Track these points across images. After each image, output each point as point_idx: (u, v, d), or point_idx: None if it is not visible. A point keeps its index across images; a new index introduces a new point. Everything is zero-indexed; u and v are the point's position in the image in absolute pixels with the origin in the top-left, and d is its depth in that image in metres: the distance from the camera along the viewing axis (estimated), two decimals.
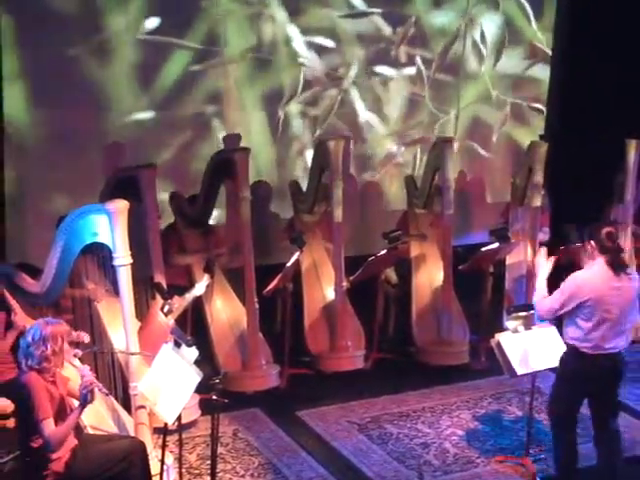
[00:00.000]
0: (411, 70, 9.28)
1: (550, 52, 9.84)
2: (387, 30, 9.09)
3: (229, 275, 7.68)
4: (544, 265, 6.07)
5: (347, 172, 8.75)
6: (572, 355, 5.76)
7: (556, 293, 5.75)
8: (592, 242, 5.71)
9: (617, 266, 5.65)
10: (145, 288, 6.75)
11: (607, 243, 5.65)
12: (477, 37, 9.50)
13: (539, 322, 6.10)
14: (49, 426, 5.05)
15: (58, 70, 7.73)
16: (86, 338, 6.18)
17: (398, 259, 8.17)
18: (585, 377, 5.73)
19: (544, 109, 9.98)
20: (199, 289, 6.71)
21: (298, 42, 8.72)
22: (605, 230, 5.67)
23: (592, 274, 5.67)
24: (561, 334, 6.04)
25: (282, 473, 6.26)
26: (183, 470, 6.00)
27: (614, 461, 5.90)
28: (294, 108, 8.84)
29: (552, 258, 6.14)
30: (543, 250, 6.37)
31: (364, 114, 9.17)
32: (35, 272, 6.19)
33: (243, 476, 6.22)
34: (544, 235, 8.40)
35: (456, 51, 9.42)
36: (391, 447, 6.64)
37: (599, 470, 5.96)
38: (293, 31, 8.69)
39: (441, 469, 6.36)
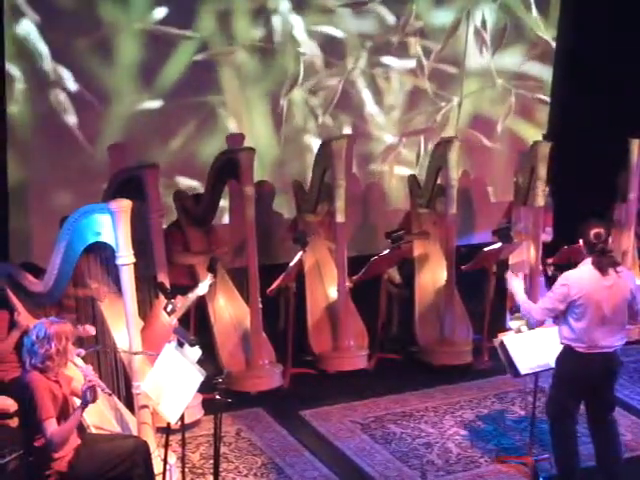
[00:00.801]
0: (413, 60, 9.27)
1: (554, 45, 9.83)
2: (390, 20, 9.08)
3: (232, 274, 7.69)
4: (516, 281, 6.19)
5: (350, 171, 8.75)
6: (567, 355, 5.77)
7: (549, 293, 5.79)
8: (580, 242, 5.75)
9: (602, 266, 5.66)
10: (148, 287, 6.76)
11: (594, 243, 5.67)
12: (480, 28, 9.48)
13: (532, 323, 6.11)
14: (51, 426, 5.05)
15: (61, 64, 7.74)
16: (92, 330, 6.20)
17: (401, 259, 8.17)
18: (581, 377, 5.74)
19: (548, 99, 9.97)
20: (202, 288, 6.71)
21: (301, 32, 8.72)
22: (593, 231, 5.70)
23: (582, 273, 5.71)
24: None
25: (285, 473, 6.27)
26: (186, 469, 5.98)
27: (613, 461, 5.90)
28: (297, 98, 8.83)
29: (520, 274, 6.21)
30: (509, 273, 6.46)
31: (366, 104, 9.16)
32: (38, 271, 6.20)
33: (246, 475, 6.22)
34: (547, 235, 8.40)
35: (459, 40, 9.42)
36: (394, 447, 6.64)
37: (599, 470, 5.96)
38: (296, 21, 8.69)
39: (444, 469, 6.36)
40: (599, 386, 5.81)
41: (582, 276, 5.68)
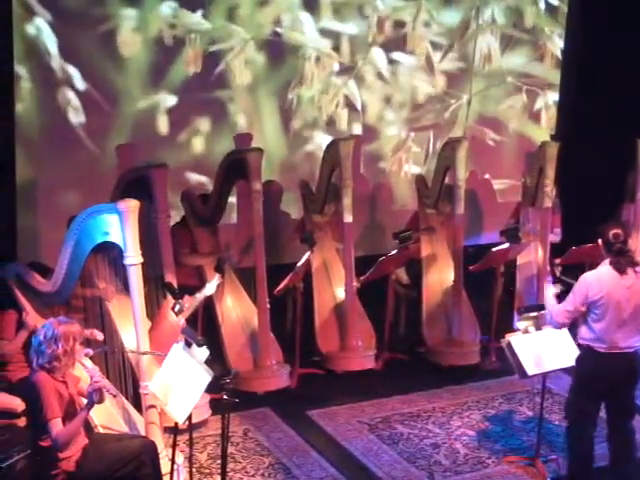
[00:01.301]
0: (423, 57, 9.25)
1: (562, 45, 9.82)
2: (400, 16, 9.07)
3: (240, 274, 7.69)
4: (550, 289, 6.10)
5: (357, 172, 8.75)
6: (587, 356, 5.75)
7: (569, 296, 5.76)
8: (600, 242, 5.74)
9: (621, 266, 5.65)
10: (156, 287, 6.76)
11: (612, 243, 5.67)
12: (489, 26, 9.47)
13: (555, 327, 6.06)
14: (57, 426, 5.05)
15: (70, 63, 7.75)
16: (99, 336, 6.20)
17: (409, 259, 8.16)
18: (600, 377, 5.72)
19: (556, 99, 9.95)
20: (210, 289, 6.72)
21: (310, 28, 8.71)
22: (612, 231, 5.69)
23: (600, 274, 5.71)
24: (573, 335, 6.04)
25: (292, 473, 6.26)
26: (193, 469, 5.99)
27: (626, 462, 5.88)
28: (305, 95, 8.82)
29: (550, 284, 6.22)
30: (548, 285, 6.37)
31: (375, 102, 9.15)
32: (46, 271, 6.21)
33: (253, 476, 6.22)
34: (555, 236, 8.39)
35: (468, 38, 9.41)
36: (401, 447, 6.64)
37: (611, 471, 5.95)
38: (305, 17, 8.68)
39: (451, 469, 6.35)
40: (619, 387, 5.77)
41: (601, 276, 5.68)
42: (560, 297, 5.98)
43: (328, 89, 8.95)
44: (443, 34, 9.33)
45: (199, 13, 8.23)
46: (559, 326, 5.93)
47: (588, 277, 5.74)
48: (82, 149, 7.96)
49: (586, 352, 5.75)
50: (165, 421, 5.88)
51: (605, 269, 5.69)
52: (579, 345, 5.83)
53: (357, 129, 9.09)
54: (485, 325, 8.11)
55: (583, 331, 5.75)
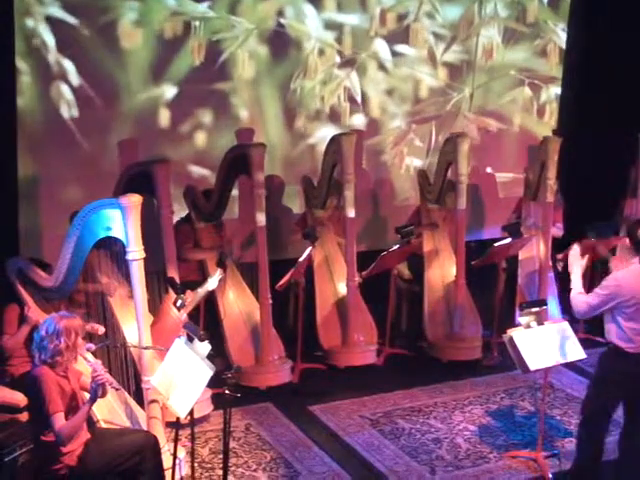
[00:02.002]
0: (425, 49, 9.23)
1: (565, 39, 9.81)
2: (402, 8, 9.05)
3: (242, 269, 7.69)
4: (578, 262, 5.91)
5: (359, 166, 8.74)
6: (614, 354, 5.67)
7: (596, 290, 5.66)
8: (628, 240, 5.70)
9: None
10: (158, 282, 6.76)
11: None
12: (492, 19, 9.45)
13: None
14: (59, 420, 5.06)
15: (69, 58, 7.73)
16: (100, 330, 6.21)
17: (411, 254, 8.16)
18: (627, 377, 5.64)
19: (558, 93, 9.93)
20: (212, 283, 6.72)
21: (313, 20, 8.69)
22: None
23: (631, 273, 5.61)
24: (576, 331, 6.02)
25: (294, 467, 6.27)
26: (195, 464, 5.99)
27: (635, 463, 5.86)
28: (308, 88, 8.80)
29: (586, 256, 6.01)
30: (576, 246, 6.02)
31: (378, 94, 9.12)
32: (44, 266, 6.21)
33: (255, 470, 6.23)
34: (557, 231, 8.39)
35: (471, 31, 9.39)
36: (403, 442, 6.64)
37: (618, 468, 5.93)
38: (309, 9, 8.66)
39: (453, 464, 6.35)
40: None
41: (631, 276, 5.58)
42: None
43: (331, 81, 8.93)
44: (446, 26, 9.30)
45: (202, 4, 8.20)
46: (577, 313, 5.77)
47: (619, 277, 5.62)
48: (84, 144, 7.94)
49: (613, 351, 5.67)
50: (167, 416, 5.89)
51: (635, 268, 5.60)
52: (607, 344, 5.74)
53: (359, 122, 9.07)
54: (487, 320, 8.12)
55: (612, 330, 5.65)
